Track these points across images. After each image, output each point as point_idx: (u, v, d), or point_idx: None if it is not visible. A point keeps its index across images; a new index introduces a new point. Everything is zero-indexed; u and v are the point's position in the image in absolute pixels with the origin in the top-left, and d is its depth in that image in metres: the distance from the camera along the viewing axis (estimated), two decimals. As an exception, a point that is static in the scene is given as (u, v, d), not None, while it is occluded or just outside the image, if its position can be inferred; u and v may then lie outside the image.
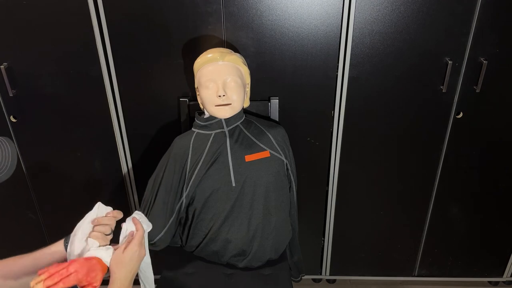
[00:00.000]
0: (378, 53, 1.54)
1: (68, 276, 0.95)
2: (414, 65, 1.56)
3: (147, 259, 1.14)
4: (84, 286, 0.98)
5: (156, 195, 1.41)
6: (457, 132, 1.68)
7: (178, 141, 1.45)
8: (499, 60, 1.54)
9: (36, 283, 0.93)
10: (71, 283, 0.95)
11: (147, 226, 1.14)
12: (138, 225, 1.11)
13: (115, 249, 1.05)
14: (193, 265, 1.50)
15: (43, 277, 0.93)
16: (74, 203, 1.87)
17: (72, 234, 1.06)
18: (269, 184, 1.41)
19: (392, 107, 1.64)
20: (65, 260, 1.06)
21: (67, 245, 1.06)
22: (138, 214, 1.15)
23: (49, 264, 1.00)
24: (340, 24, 1.50)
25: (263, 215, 1.42)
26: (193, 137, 1.43)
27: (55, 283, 0.93)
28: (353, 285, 2.13)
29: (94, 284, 0.99)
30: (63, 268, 0.96)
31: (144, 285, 1.18)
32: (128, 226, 1.10)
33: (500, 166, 1.76)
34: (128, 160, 1.77)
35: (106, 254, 1.03)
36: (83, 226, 1.06)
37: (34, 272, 1.02)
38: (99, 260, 1.01)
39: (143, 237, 1.10)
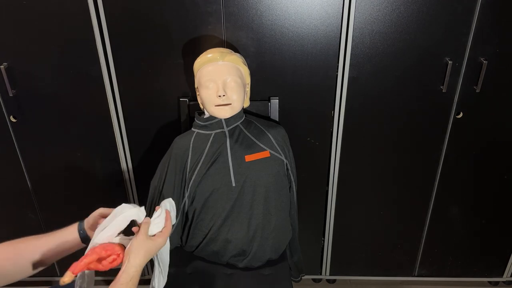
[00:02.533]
0: (378, 53, 1.54)
1: (85, 256, 0.99)
2: (414, 65, 1.56)
3: (167, 245, 1.14)
4: (106, 257, 1.01)
5: (160, 197, 1.41)
6: (457, 132, 1.68)
7: (178, 141, 1.45)
8: (499, 60, 1.54)
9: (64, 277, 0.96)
10: (93, 258, 0.99)
11: (174, 218, 1.14)
12: (168, 221, 1.10)
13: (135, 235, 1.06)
14: (193, 265, 1.50)
15: (68, 271, 0.97)
16: (74, 203, 1.86)
17: (98, 229, 1.06)
18: (269, 184, 1.41)
19: (392, 107, 1.64)
20: (77, 244, 1.11)
21: (82, 232, 1.10)
22: (170, 203, 1.15)
23: (61, 249, 1.07)
24: (340, 24, 1.50)
25: (263, 215, 1.42)
26: (193, 137, 1.43)
27: (79, 264, 0.97)
28: (353, 285, 2.13)
29: (117, 253, 1.02)
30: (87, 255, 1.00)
31: (160, 266, 1.17)
32: (159, 214, 1.10)
33: (500, 166, 1.76)
34: (128, 160, 1.77)
35: (127, 240, 1.06)
36: (118, 223, 1.06)
37: (40, 258, 1.05)
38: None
39: (168, 233, 1.10)
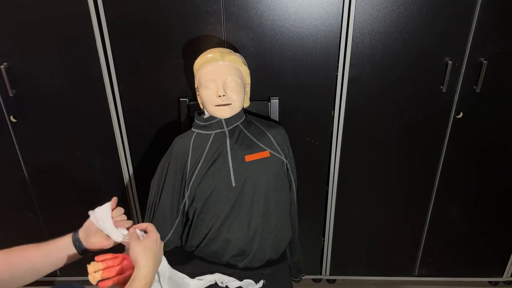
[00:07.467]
0: (378, 53, 1.54)
1: (122, 275, 0.96)
2: (414, 65, 1.56)
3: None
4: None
5: (160, 197, 1.41)
6: (457, 132, 1.68)
7: (178, 141, 1.45)
8: (499, 60, 1.54)
9: (95, 271, 0.93)
10: (120, 284, 0.96)
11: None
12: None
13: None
14: (193, 265, 1.50)
15: (102, 266, 0.93)
16: (74, 203, 1.86)
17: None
18: (269, 184, 1.41)
19: (392, 107, 1.64)
20: (73, 255, 1.06)
21: (76, 241, 1.06)
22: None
23: (56, 260, 1.01)
24: (340, 24, 1.50)
25: (263, 215, 1.42)
26: (193, 137, 1.43)
27: (109, 279, 0.94)
28: (353, 285, 2.13)
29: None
30: (119, 264, 0.97)
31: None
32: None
33: (500, 166, 1.76)
34: (128, 160, 1.77)
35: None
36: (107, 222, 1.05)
37: (34, 268, 1.02)
38: None
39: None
